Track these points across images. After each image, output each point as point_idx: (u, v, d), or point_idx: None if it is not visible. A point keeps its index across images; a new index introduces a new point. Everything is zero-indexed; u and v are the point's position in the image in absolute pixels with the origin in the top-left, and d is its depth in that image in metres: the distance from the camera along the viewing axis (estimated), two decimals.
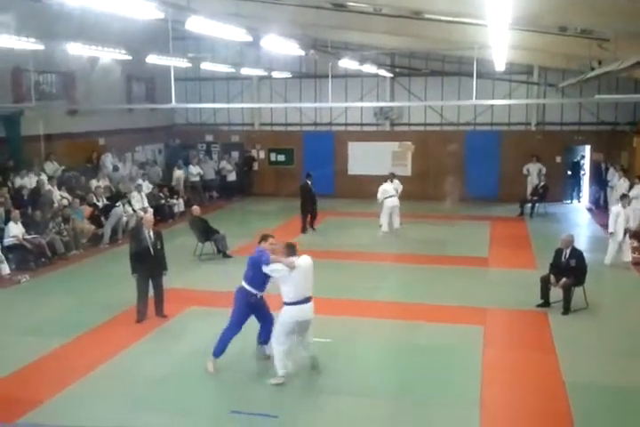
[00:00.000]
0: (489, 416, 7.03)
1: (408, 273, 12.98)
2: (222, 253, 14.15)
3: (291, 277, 7.49)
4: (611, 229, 13.01)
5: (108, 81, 18.18)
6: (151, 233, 9.97)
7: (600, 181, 20.01)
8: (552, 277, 10.41)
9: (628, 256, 13.01)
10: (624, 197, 13.41)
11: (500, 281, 12.27)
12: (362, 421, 7.01)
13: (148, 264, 9.84)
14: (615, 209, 13.14)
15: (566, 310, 10.26)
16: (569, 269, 10.39)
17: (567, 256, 10.49)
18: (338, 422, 6.99)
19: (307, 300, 7.65)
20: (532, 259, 13.72)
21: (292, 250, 7.71)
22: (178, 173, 20.47)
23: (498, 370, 8.32)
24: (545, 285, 10.56)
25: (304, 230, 16.86)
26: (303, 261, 7.62)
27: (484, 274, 12.88)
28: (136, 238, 10.03)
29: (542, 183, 19.54)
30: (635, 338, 9.39)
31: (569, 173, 21.44)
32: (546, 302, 10.53)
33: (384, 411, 7.21)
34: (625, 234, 12.88)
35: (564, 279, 10.25)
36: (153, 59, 12.93)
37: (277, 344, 7.71)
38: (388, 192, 16.55)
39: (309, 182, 17.28)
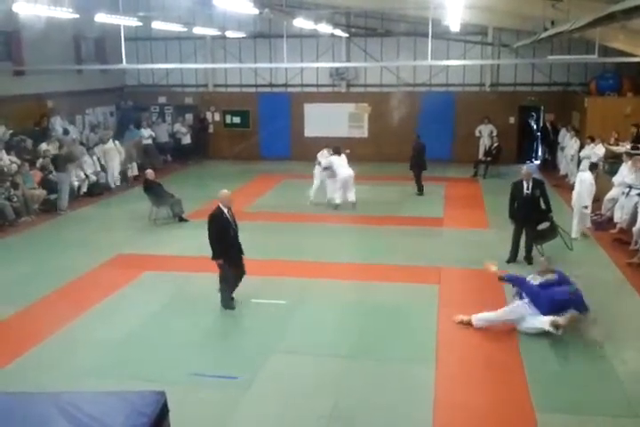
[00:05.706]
0: (444, 371, 7.23)
1: (363, 234, 13.09)
2: (178, 217, 14.03)
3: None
4: (587, 202, 12.03)
5: (56, 41, 17.56)
6: (229, 212, 9.02)
7: (552, 141, 20.28)
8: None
9: (587, 222, 12.70)
10: (594, 166, 12.59)
11: (454, 240, 12.48)
12: (318, 379, 7.13)
13: (233, 247, 9.02)
14: (588, 177, 12.13)
15: (529, 260, 10.72)
16: (531, 200, 10.54)
17: (530, 187, 10.56)
18: (295, 381, 7.09)
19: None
20: (485, 218, 13.98)
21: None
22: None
23: (452, 327, 8.53)
24: (516, 241, 10.81)
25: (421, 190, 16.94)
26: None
27: (439, 234, 13.07)
28: (218, 222, 8.92)
29: (495, 144, 19.74)
30: (587, 293, 9.68)
31: (524, 134, 21.68)
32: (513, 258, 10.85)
33: (340, 369, 7.34)
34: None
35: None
36: (102, 17, 12.54)
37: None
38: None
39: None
